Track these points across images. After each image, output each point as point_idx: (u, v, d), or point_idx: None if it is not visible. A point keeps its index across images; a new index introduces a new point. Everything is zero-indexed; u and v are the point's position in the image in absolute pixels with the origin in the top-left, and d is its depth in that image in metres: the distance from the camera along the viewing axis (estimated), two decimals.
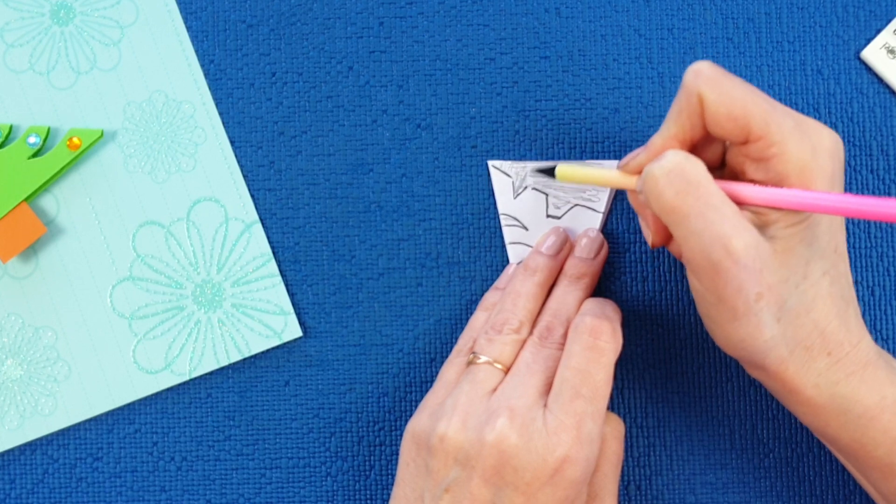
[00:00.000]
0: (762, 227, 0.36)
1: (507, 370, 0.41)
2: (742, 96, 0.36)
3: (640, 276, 0.47)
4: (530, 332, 0.42)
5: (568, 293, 0.43)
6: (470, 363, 0.41)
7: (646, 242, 0.47)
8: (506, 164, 0.47)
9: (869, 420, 0.38)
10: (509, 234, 0.47)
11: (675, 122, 0.38)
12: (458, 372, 0.42)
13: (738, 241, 0.35)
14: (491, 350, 0.41)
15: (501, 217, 0.47)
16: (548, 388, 0.39)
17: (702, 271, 0.36)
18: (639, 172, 0.39)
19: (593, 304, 0.42)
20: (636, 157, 0.39)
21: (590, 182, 0.41)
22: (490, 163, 0.47)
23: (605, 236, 0.47)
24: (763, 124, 0.36)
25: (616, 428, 0.42)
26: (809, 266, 0.36)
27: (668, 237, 0.41)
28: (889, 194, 0.47)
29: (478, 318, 0.44)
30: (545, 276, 0.44)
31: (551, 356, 0.40)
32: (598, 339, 0.40)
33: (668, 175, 0.36)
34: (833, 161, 0.36)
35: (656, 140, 0.39)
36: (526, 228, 0.46)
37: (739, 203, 0.37)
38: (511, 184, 0.47)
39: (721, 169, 0.41)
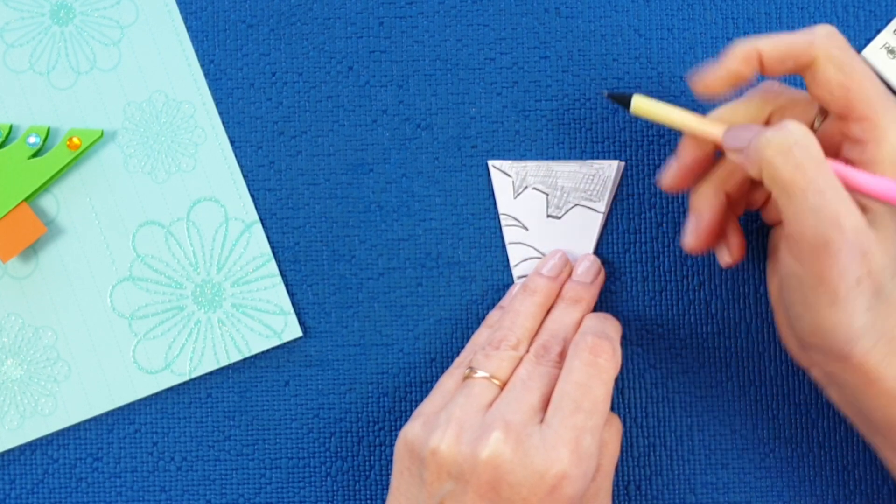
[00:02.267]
0: (864, 213, 0.37)
1: (503, 386, 0.41)
2: (862, 71, 0.37)
3: (640, 276, 0.47)
4: (527, 351, 0.42)
5: (565, 314, 0.43)
6: (466, 377, 0.41)
7: (647, 243, 0.47)
8: (506, 164, 0.47)
9: None
10: (509, 234, 0.47)
11: (779, 59, 0.38)
12: (456, 384, 0.42)
13: (851, 220, 0.35)
14: (488, 365, 0.41)
15: (501, 217, 0.47)
16: (543, 405, 0.39)
17: (809, 250, 0.36)
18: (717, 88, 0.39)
19: (595, 321, 0.42)
20: (715, 72, 0.39)
21: (667, 122, 0.41)
22: (490, 163, 0.47)
23: (606, 236, 0.47)
24: (869, 105, 0.36)
25: (616, 428, 0.42)
26: None
27: (741, 251, 0.42)
28: None
29: (480, 335, 0.45)
30: (544, 297, 0.44)
31: (547, 374, 0.40)
32: (598, 357, 0.40)
33: (792, 148, 0.35)
34: None
35: (735, 56, 0.38)
36: (526, 228, 0.46)
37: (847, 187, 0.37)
38: (511, 184, 0.47)
39: None
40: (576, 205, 0.46)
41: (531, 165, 0.46)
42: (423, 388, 0.47)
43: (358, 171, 0.47)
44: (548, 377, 0.40)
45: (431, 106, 0.47)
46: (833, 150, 0.39)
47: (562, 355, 0.41)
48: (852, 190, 0.37)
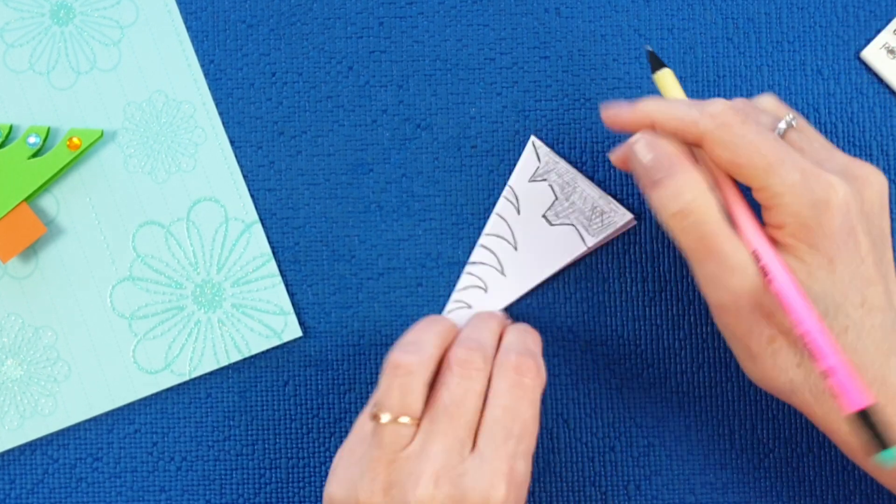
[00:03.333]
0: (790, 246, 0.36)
1: (418, 421, 0.38)
2: (749, 147, 0.36)
3: (640, 276, 0.47)
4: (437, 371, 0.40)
5: (483, 326, 0.42)
6: (374, 420, 0.38)
7: (647, 243, 0.47)
8: (544, 149, 0.46)
9: None
10: (502, 207, 0.46)
11: (670, 132, 0.37)
12: (365, 438, 0.39)
13: (748, 283, 0.35)
14: (391, 402, 0.38)
15: (506, 188, 0.46)
16: (471, 428, 0.38)
17: (715, 310, 0.37)
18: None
19: (515, 336, 0.42)
20: (623, 115, 0.39)
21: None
22: (534, 138, 0.46)
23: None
24: (764, 176, 0.35)
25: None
26: (828, 315, 0.36)
27: None
28: (889, 194, 0.46)
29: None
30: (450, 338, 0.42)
31: (471, 389, 0.38)
32: (524, 376, 0.39)
33: (677, 217, 0.36)
34: (845, 214, 0.35)
35: (634, 114, 0.38)
36: (518, 212, 0.46)
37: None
38: (535, 168, 0.46)
39: None
40: (571, 224, 0.46)
41: (562, 165, 0.46)
42: None
43: (358, 171, 0.47)
44: (474, 398, 0.38)
45: (431, 106, 0.47)
46: None
47: (486, 361, 0.39)
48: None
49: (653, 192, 0.37)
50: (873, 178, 0.37)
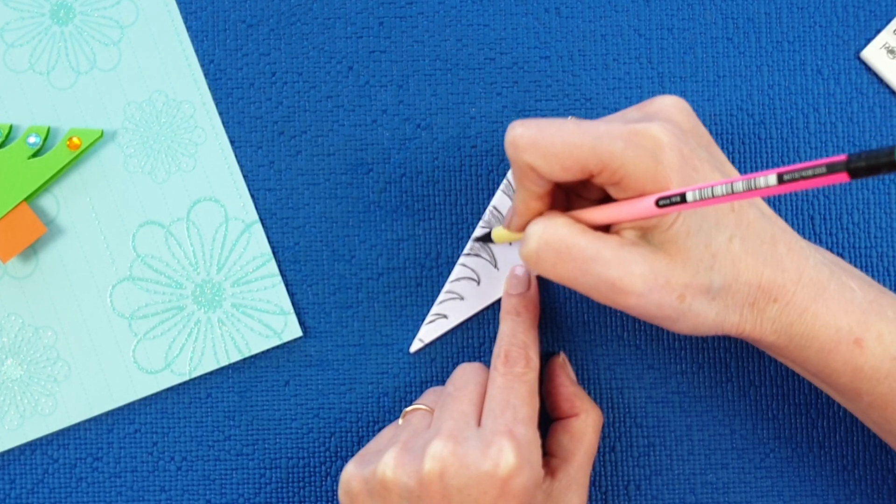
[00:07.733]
0: (648, 236, 0.36)
1: (431, 411, 0.43)
2: (564, 145, 0.36)
3: None
4: None
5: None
6: (404, 415, 0.43)
7: None
8: None
9: (828, 353, 0.38)
10: (499, 200, 0.46)
11: (523, 189, 0.38)
12: (393, 430, 0.43)
13: (629, 279, 0.36)
14: (421, 401, 0.43)
15: (504, 182, 0.46)
16: (476, 411, 0.40)
17: (620, 309, 0.37)
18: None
19: (508, 327, 0.43)
20: (510, 220, 0.41)
21: (511, 239, 0.43)
22: None
23: None
24: (596, 160, 0.36)
25: (595, 419, 0.43)
26: (711, 246, 0.36)
27: None
28: (889, 194, 0.47)
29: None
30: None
31: (473, 382, 0.42)
32: (513, 367, 0.41)
33: (538, 254, 0.37)
34: (677, 148, 0.36)
35: (518, 205, 0.39)
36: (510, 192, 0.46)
37: (592, 225, 0.37)
38: None
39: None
40: None
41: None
42: (423, 387, 0.47)
43: (358, 171, 0.47)
44: (474, 385, 0.42)
45: (431, 106, 0.47)
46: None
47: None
48: (594, 224, 0.37)
49: (520, 254, 0.38)
50: (668, 102, 0.38)
